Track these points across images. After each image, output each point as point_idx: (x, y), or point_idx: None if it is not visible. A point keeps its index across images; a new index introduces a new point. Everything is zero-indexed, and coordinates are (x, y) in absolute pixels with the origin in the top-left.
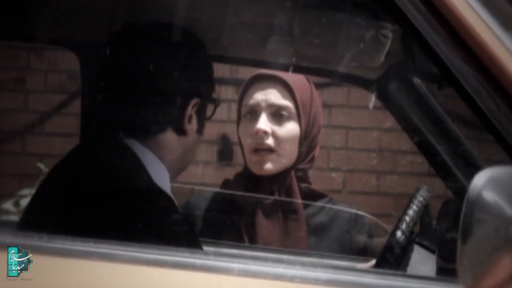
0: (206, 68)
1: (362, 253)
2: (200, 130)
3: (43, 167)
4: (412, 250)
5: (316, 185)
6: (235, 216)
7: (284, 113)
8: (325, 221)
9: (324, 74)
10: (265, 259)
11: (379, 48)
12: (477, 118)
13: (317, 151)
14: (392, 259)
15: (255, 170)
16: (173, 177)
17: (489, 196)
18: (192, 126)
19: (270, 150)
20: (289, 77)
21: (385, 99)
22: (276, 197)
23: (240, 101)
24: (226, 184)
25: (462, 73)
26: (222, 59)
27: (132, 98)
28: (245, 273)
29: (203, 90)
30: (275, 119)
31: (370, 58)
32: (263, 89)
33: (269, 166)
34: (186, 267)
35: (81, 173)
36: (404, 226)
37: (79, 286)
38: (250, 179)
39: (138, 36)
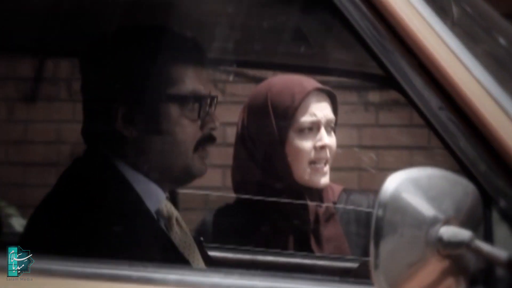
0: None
1: None
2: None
3: None
4: None
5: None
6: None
7: (332, 125)
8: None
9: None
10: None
11: None
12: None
13: None
14: None
15: (312, 182)
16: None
17: (405, 198)
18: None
19: (326, 162)
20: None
21: None
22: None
23: (292, 116)
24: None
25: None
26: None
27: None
28: (183, 284)
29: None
30: (327, 131)
31: None
32: (320, 103)
33: (326, 178)
34: (123, 279)
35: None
36: None
37: None
38: (301, 191)
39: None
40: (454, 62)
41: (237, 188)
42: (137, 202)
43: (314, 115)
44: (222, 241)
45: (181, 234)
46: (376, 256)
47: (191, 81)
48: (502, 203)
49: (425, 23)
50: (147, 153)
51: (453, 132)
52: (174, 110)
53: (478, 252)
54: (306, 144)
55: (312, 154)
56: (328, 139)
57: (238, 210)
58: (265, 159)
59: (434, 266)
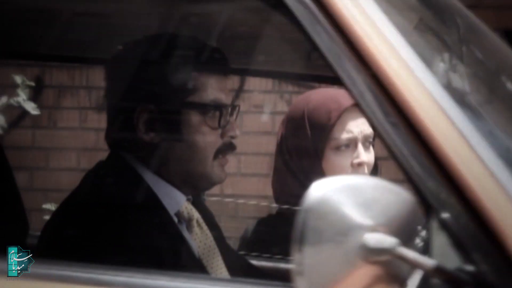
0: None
1: None
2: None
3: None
4: None
5: None
6: None
7: (371, 140)
8: None
9: None
10: None
11: None
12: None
13: None
14: None
15: None
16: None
17: (330, 204)
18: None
19: None
20: None
21: None
22: None
23: (328, 133)
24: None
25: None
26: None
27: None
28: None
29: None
30: (365, 147)
31: None
32: (357, 120)
33: None
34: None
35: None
36: None
37: None
38: None
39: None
40: (400, 67)
41: (277, 199)
42: (155, 204)
43: (351, 132)
44: (262, 250)
45: (202, 236)
46: (300, 262)
47: (213, 89)
48: (442, 212)
49: (374, 26)
50: (167, 158)
51: (398, 141)
52: (195, 117)
53: (403, 259)
54: (343, 161)
55: (350, 171)
56: (365, 155)
57: (280, 221)
58: (302, 173)
59: (362, 273)
